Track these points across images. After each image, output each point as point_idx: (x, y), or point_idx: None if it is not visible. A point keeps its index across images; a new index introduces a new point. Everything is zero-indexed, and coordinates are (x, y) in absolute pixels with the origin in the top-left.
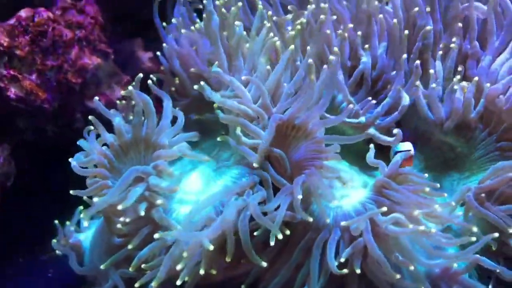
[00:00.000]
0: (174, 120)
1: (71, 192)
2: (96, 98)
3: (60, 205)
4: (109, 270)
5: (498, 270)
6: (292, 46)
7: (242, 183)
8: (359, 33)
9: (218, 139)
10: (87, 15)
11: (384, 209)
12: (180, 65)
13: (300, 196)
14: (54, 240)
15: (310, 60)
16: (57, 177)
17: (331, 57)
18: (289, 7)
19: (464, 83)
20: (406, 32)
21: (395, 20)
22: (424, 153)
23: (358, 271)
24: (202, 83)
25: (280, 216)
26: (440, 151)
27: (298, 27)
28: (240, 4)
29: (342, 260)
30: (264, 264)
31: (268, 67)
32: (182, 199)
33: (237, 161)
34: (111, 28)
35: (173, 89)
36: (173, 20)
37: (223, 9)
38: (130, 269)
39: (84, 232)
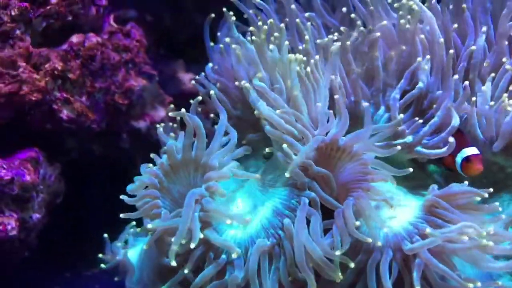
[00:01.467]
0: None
1: (121, 216)
2: (159, 127)
3: (106, 223)
4: None
5: None
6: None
7: (302, 216)
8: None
9: (267, 150)
10: (133, 38)
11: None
12: (219, 87)
13: (357, 222)
14: (100, 255)
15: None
16: (102, 195)
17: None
18: (341, 29)
19: (510, 102)
20: (451, 51)
21: (441, 40)
22: None
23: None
24: (247, 84)
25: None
26: (489, 171)
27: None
28: (265, 27)
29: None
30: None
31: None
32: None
33: (284, 182)
34: (155, 50)
35: (212, 115)
36: (227, 39)
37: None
38: None
39: (131, 248)
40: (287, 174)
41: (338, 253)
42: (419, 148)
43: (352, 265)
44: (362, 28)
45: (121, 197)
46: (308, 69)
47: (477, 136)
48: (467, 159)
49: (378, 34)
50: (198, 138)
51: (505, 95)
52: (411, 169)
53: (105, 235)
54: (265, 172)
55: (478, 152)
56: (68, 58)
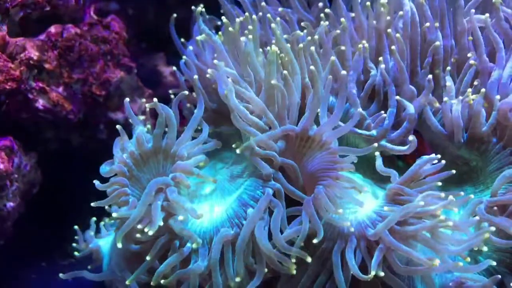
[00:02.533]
0: None
1: (92, 204)
2: (127, 99)
3: (83, 213)
4: (126, 276)
5: None
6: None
7: (262, 206)
8: (366, 45)
9: (233, 145)
10: (112, 30)
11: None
12: (198, 79)
13: (329, 205)
14: (74, 244)
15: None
16: (80, 185)
17: (343, 72)
18: (302, 24)
19: (472, 96)
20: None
21: (398, 35)
22: None
23: (381, 273)
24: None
25: (292, 252)
26: (455, 164)
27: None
28: (239, 20)
29: (373, 272)
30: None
31: (274, 81)
32: (197, 207)
33: (251, 173)
34: (136, 43)
35: (188, 105)
36: (197, 37)
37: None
38: (152, 283)
39: (104, 238)
40: (244, 145)
41: (315, 241)
42: (383, 142)
43: (309, 259)
44: (326, 23)
45: (94, 181)
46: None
47: (439, 131)
48: None
49: (346, 29)
50: (169, 128)
51: (469, 90)
52: (376, 145)
53: (76, 227)
54: (235, 163)
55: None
56: (45, 48)
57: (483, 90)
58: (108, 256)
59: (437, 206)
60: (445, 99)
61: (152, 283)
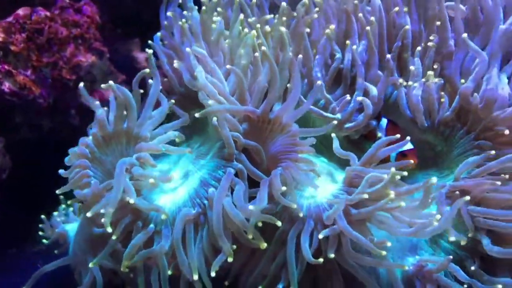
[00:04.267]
0: None
1: (57, 192)
2: (81, 84)
3: (56, 199)
4: (89, 259)
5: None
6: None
7: (225, 185)
8: (332, 27)
9: (197, 115)
10: (84, 14)
11: (364, 195)
12: (167, 62)
13: (282, 187)
14: (40, 232)
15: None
16: (52, 171)
17: (299, 56)
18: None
19: (435, 80)
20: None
21: (372, 18)
22: None
23: (332, 255)
24: (188, 49)
25: (259, 217)
26: (420, 149)
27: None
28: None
29: (320, 236)
30: (265, 244)
31: (244, 61)
32: (161, 189)
33: (214, 154)
34: (111, 28)
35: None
36: (170, 13)
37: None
38: (122, 268)
39: (71, 223)
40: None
41: (279, 224)
42: (348, 125)
43: (279, 223)
44: (302, 8)
45: (59, 171)
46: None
47: (406, 115)
48: (402, 154)
49: (315, 15)
50: (128, 109)
51: (430, 73)
52: (334, 122)
53: (42, 216)
54: (201, 145)
55: (412, 147)
56: (12, 31)
57: (443, 74)
58: (73, 240)
59: (383, 184)
60: (409, 83)
61: (122, 268)
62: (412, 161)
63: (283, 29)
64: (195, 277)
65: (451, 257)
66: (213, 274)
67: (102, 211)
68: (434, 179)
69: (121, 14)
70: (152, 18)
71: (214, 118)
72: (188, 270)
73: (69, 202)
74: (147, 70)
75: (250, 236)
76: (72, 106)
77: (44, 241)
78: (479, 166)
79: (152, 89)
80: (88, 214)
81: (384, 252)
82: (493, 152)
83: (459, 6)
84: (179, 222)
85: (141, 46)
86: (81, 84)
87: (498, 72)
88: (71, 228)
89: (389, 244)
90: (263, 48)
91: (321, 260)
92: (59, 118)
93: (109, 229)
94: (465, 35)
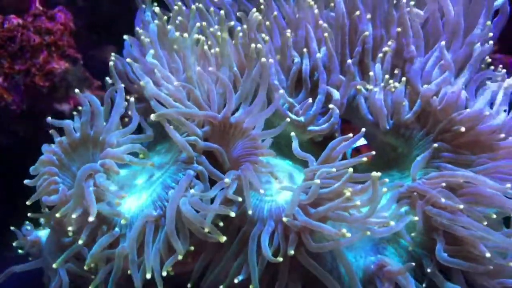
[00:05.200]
0: None
1: (27, 203)
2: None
3: (34, 206)
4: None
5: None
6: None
7: (182, 187)
8: (288, 34)
9: (152, 116)
10: (57, 22)
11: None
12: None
13: (231, 189)
14: (14, 243)
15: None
16: (29, 178)
17: (263, 60)
18: (238, 14)
19: (396, 84)
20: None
21: (325, 25)
22: None
23: (292, 252)
24: (136, 64)
25: (213, 211)
26: (383, 151)
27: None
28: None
29: (285, 219)
30: (224, 238)
31: (198, 68)
32: (128, 193)
33: (176, 157)
34: (86, 35)
35: (128, 97)
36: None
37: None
38: (85, 267)
39: (45, 229)
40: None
41: (233, 214)
42: (311, 127)
43: (232, 214)
44: (257, 14)
45: (25, 181)
46: (212, 51)
47: (367, 119)
48: (356, 150)
49: (267, 23)
50: (95, 116)
51: (391, 79)
52: (288, 119)
53: (12, 228)
54: (167, 149)
55: (366, 142)
56: None
57: (403, 79)
58: (44, 246)
59: (340, 183)
60: (370, 87)
61: (85, 267)
62: (365, 158)
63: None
64: (148, 275)
65: (412, 264)
66: (164, 273)
67: (73, 216)
68: (378, 174)
69: (96, 21)
70: (127, 25)
71: (167, 124)
72: (135, 268)
73: (29, 214)
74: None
75: (207, 230)
76: (47, 111)
77: (20, 251)
78: (429, 162)
79: (117, 99)
80: (57, 215)
81: (348, 234)
82: (436, 145)
83: (419, 11)
84: (138, 221)
85: (116, 53)
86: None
87: (462, 79)
88: (44, 233)
89: (348, 234)
90: (225, 52)
91: (280, 259)
92: (34, 124)
93: (70, 228)
94: (443, 43)
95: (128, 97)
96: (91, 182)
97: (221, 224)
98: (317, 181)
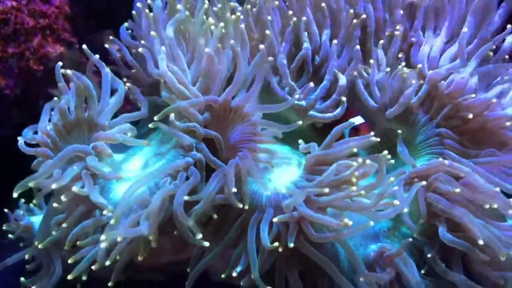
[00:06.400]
0: None
1: (30, 184)
2: (59, 63)
3: (25, 192)
4: (52, 250)
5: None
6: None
7: (175, 164)
8: (304, 19)
9: (150, 125)
10: (52, 4)
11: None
12: (133, 53)
13: (233, 182)
14: (4, 227)
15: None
16: (23, 163)
17: (261, 46)
18: None
19: (405, 69)
20: (355, 21)
21: (325, 7)
22: None
23: (291, 245)
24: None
25: (207, 199)
26: (386, 137)
27: (239, 13)
28: None
29: (275, 220)
30: (206, 243)
31: (207, 49)
32: (121, 179)
33: (174, 144)
34: (83, 20)
35: (124, 79)
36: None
37: None
38: (65, 247)
39: (37, 215)
40: (163, 112)
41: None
42: (312, 112)
43: (215, 216)
44: None
45: (18, 138)
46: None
47: (368, 105)
48: (355, 129)
49: (276, 3)
50: (88, 98)
51: (402, 63)
52: (300, 122)
53: (5, 210)
54: (164, 135)
55: (363, 121)
56: None
57: (419, 65)
58: (36, 232)
59: (350, 172)
60: (375, 72)
61: (66, 247)
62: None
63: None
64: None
65: (409, 239)
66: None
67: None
68: (385, 152)
69: (94, 6)
70: (125, 9)
71: (172, 115)
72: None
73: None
74: (95, 59)
75: (191, 223)
76: (41, 96)
77: (10, 236)
78: (432, 149)
79: (103, 78)
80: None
81: (350, 222)
82: (439, 130)
83: None
84: (131, 200)
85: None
86: (59, 64)
87: (472, 66)
88: (37, 220)
89: (350, 223)
90: (228, 36)
91: (276, 244)
92: (28, 109)
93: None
94: (465, 29)
95: (127, 83)
96: (81, 164)
97: (215, 216)
98: (326, 189)
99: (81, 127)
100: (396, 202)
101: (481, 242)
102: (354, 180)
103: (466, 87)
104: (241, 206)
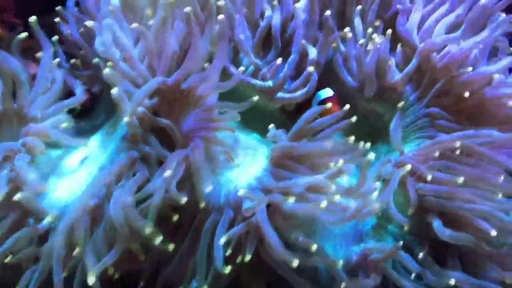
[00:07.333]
0: None
1: None
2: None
3: None
4: None
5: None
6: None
7: (116, 167)
8: None
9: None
10: None
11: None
12: (80, 30)
13: (170, 175)
14: None
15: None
16: None
17: (220, 16)
18: None
19: (378, 39)
20: None
21: None
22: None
23: (248, 257)
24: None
25: (155, 205)
26: (366, 120)
27: None
28: None
29: (223, 240)
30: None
31: (152, 21)
32: (58, 177)
33: (118, 134)
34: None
35: (73, 60)
36: None
37: None
38: None
39: None
40: (125, 119)
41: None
42: (280, 94)
43: (175, 218)
44: None
45: None
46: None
47: (346, 82)
48: (323, 103)
49: None
50: (17, 86)
51: (374, 34)
52: (256, 98)
53: None
54: (112, 125)
55: (333, 93)
56: None
57: (388, 31)
58: None
59: (326, 175)
60: (351, 44)
61: None
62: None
63: None
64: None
65: (400, 243)
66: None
67: None
68: (371, 156)
69: None
70: None
71: (115, 89)
72: (58, 268)
73: None
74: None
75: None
76: None
77: None
78: (422, 132)
79: (42, 61)
80: None
81: (295, 262)
82: (429, 111)
83: None
84: (71, 212)
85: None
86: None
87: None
88: None
89: (314, 246)
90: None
91: (228, 268)
92: None
93: None
94: None
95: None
96: (8, 165)
97: (175, 218)
98: (291, 199)
99: (11, 119)
100: (377, 206)
101: (494, 233)
102: (331, 186)
103: (465, 60)
104: (182, 202)
